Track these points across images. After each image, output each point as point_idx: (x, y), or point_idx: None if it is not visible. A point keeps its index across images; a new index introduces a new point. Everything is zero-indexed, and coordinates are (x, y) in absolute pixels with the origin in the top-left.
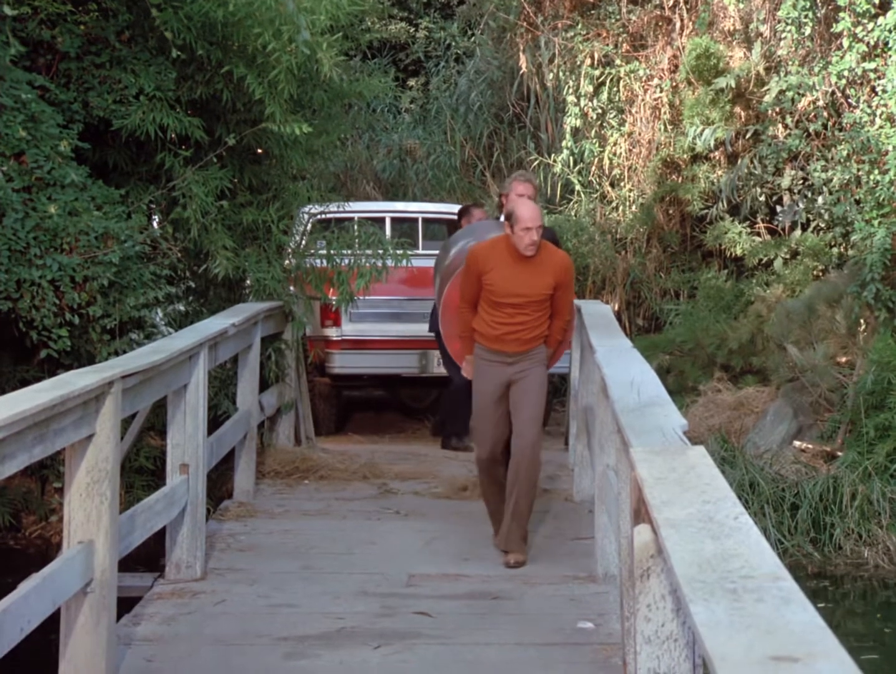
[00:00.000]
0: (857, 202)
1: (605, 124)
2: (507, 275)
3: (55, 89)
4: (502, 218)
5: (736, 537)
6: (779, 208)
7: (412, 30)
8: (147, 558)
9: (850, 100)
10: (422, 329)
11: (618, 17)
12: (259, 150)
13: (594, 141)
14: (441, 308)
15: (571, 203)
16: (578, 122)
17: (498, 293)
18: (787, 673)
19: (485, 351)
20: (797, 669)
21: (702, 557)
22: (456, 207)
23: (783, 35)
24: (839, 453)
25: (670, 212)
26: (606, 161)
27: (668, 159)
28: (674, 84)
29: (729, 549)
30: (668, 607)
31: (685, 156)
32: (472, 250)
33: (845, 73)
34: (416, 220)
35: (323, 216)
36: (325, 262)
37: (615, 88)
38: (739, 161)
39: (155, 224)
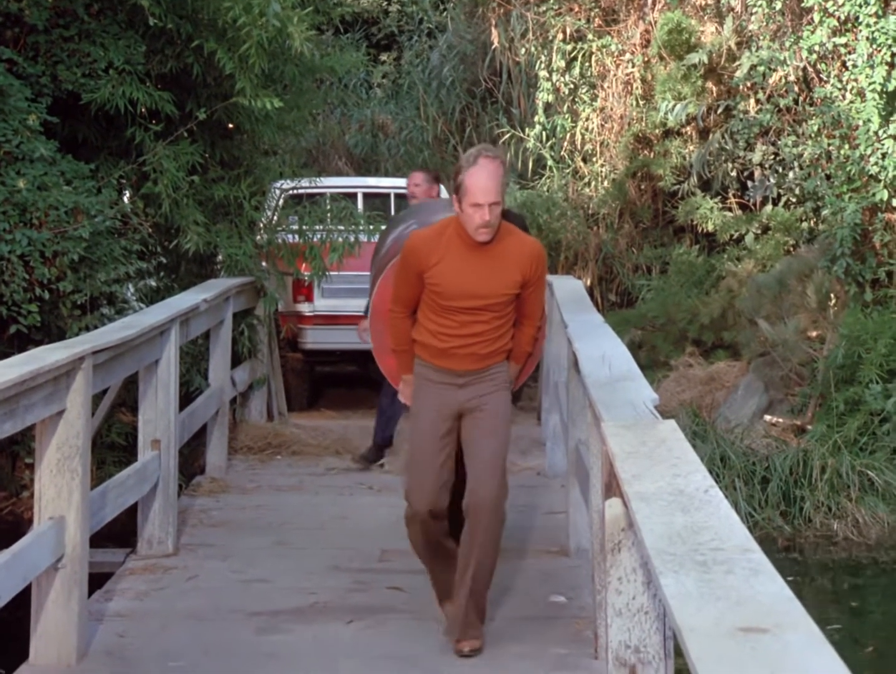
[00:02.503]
0: (828, 177)
1: (577, 99)
2: (457, 270)
3: (23, 63)
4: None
5: (706, 509)
6: (750, 183)
7: (384, 4)
8: (119, 534)
9: (820, 75)
10: None
11: None
12: (230, 125)
13: (566, 116)
14: (370, 313)
15: (544, 178)
16: (550, 98)
17: (446, 295)
18: (755, 644)
19: (427, 369)
20: (766, 640)
21: (672, 529)
22: None
23: (754, 10)
24: (809, 427)
25: (642, 187)
26: (578, 136)
27: (640, 134)
28: (646, 59)
29: (699, 521)
30: (639, 580)
31: (657, 131)
32: (411, 239)
33: (816, 47)
34: (388, 195)
35: (295, 192)
36: (297, 237)
37: (587, 63)
38: (711, 136)
39: (126, 199)
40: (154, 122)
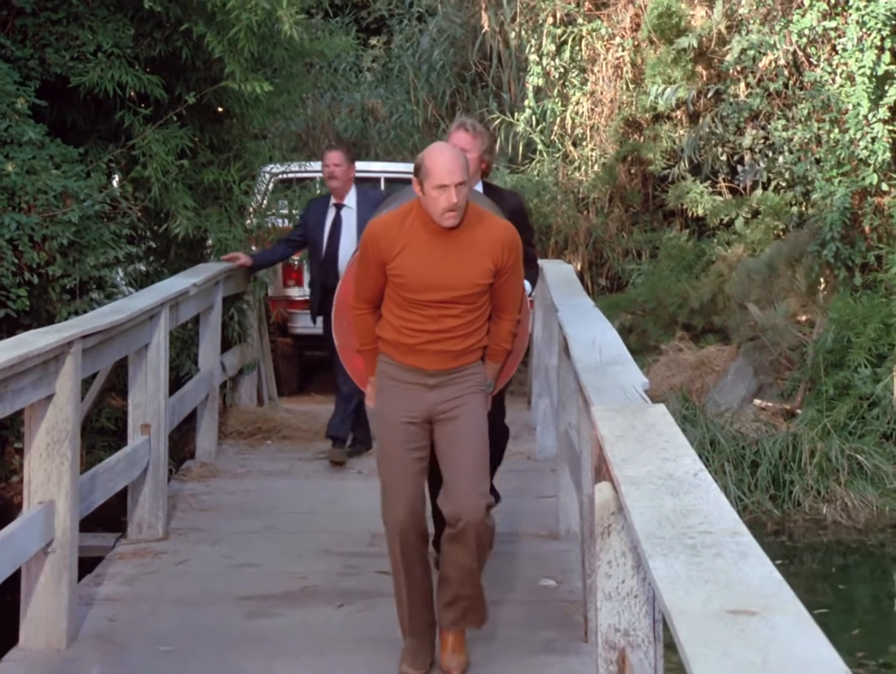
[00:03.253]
0: (818, 161)
1: (567, 83)
2: (421, 260)
3: (11, 46)
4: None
5: (695, 493)
6: (740, 168)
7: None
8: (109, 518)
9: (810, 58)
10: None
11: None
12: (219, 109)
13: (556, 100)
14: (334, 308)
15: (534, 163)
16: (540, 82)
17: (410, 287)
18: (744, 626)
19: (393, 367)
20: (754, 622)
21: (661, 513)
22: None
23: None
24: (799, 411)
25: (632, 171)
26: (569, 120)
27: (630, 119)
28: (636, 43)
29: (688, 505)
30: (629, 564)
31: (647, 115)
32: (370, 227)
33: (806, 31)
34: (378, 179)
35: (284, 176)
36: (287, 221)
37: (577, 47)
38: (701, 120)
39: (115, 183)
40: (143, 105)
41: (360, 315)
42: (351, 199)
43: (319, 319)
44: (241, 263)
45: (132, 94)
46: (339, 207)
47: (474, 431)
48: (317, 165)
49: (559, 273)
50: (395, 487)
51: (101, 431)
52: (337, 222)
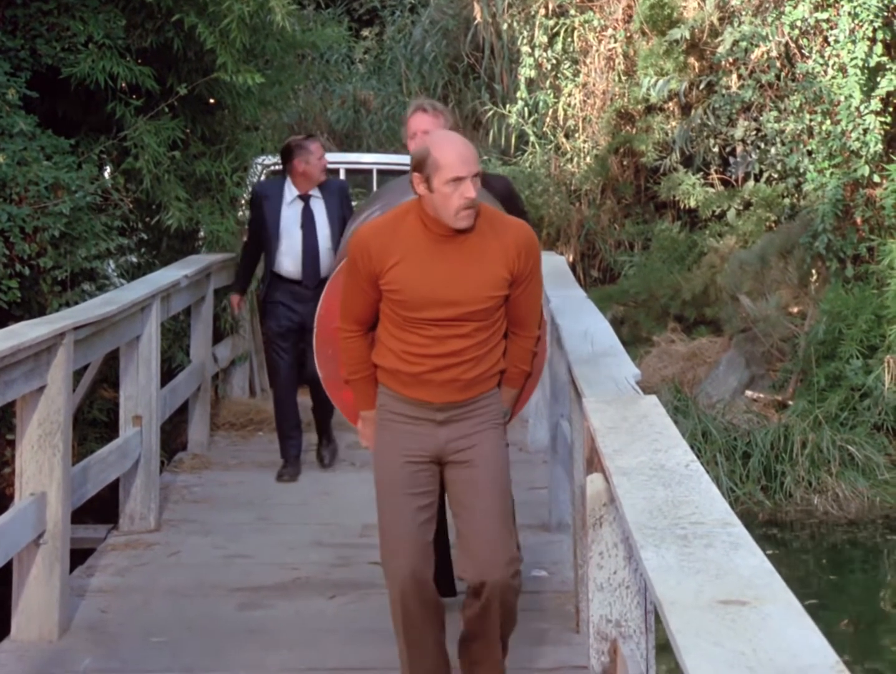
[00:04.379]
0: (810, 153)
1: (559, 75)
2: (422, 270)
3: (1, 36)
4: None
5: (687, 484)
6: (732, 159)
7: None
8: (101, 510)
9: (802, 50)
10: None
11: None
12: (211, 101)
13: (549, 92)
14: (315, 333)
15: (526, 154)
16: (533, 73)
17: (410, 304)
18: (735, 616)
19: (395, 400)
20: (745, 612)
21: (653, 504)
22: None
23: None
24: (790, 403)
25: (624, 163)
26: (561, 112)
27: (623, 110)
28: (628, 34)
29: (679, 496)
30: (620, 555)
31: (639, 107)
32: (358, 234)
33: (798, 23)
34: (370, 171)
35: (277, 167)
36: None
37: (569, 39)
38: (693, 112)
39: (106, 175)
40: (134, 97)
41: (350, 339)
42: (315, 189)
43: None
44: (240, 300)
45: (123, 85)
46: (305, 197)
47: (495, 475)
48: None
49: (551, 265)
50: (396, 540)
51: (93, 423)
52: (308, 215)
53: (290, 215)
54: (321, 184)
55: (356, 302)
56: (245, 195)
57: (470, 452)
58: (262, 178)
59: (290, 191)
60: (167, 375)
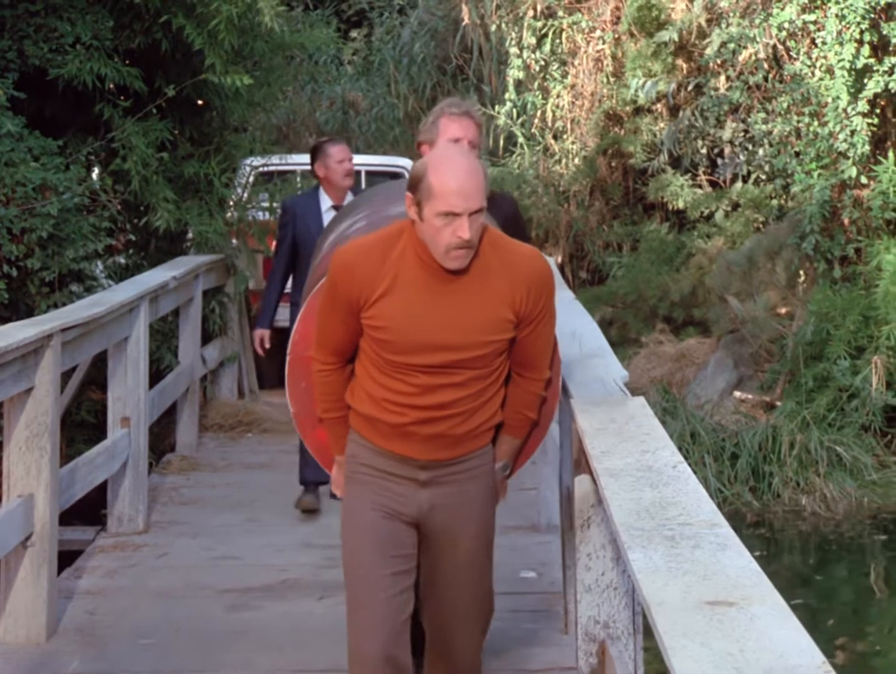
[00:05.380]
0: (797, 154)
1: (547, 76)
2: (413, 306)
3: None
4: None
5: (674, 485)
6: (720, 160)
7: None
8: (89, 512)
9: (790, 52)
10: None
11: None
12: (199, 102)
13: (537, 93)
14: (287, 361)
15: (514, 155)
16: (521, 75)
17: (396, 346)
18: (722, 617)
19: (369, 451)
20: (732, 613)
21: (640, 505)
22: (401, 161)
23: None
24: (778, 403)
25: (613, 164)
26: (549, 113)
27: (611, 112)
28: (616, 36)
29: (667, 497)
30: (608, 556)
31: (627, 108)
32: (342, 253)
33: (786, 25)
34: (359, 172)
35: (265, 168)
36: (267, 214)
37: (558, 40)
38: (681, 113)
39: (94, 176)
40: (122, 98)
41: (324, 372)
42: (349, 198)
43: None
44: (266, 339)
45: (111, 86)
46: (338, 208)
47: (481, 561)
48: (298, 158)
49: None
50: (367, 618)
51: (81, 425)
52: None
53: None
54: (356, 193)
55: (333, 331)
56: (233, 197)
57: (454, 524)
58: (251, 179)
59: (325, 201)
60: (155, 376)
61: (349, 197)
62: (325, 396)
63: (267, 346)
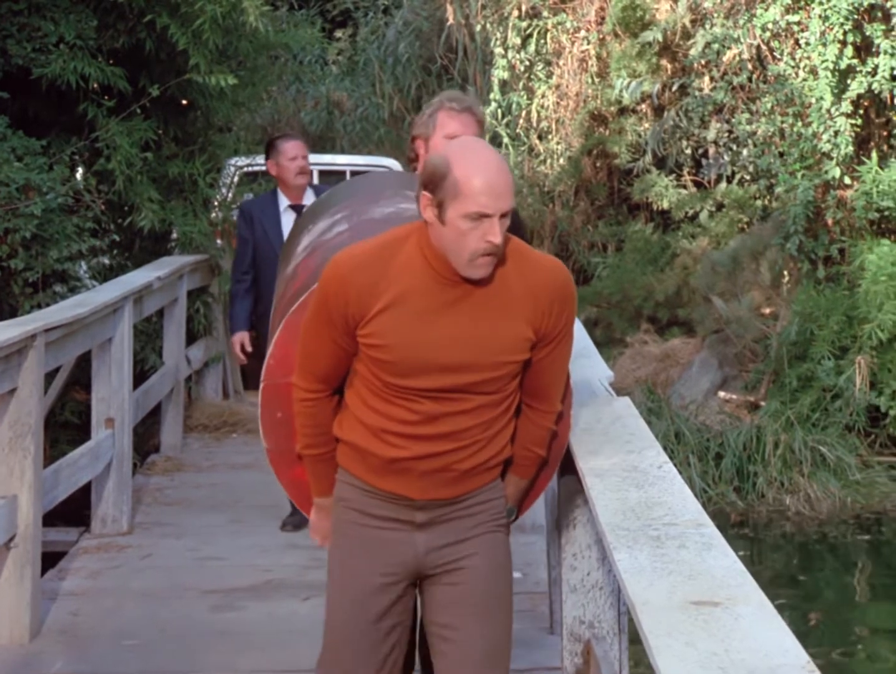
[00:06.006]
0: (781, 155)
1: (532, 77)
2: (419, 321)
3: None
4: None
5: (660, 485)
6: (704, 161)
7: None
8: (73, 513)
9: (774, 52)
10: None
11: None
12: (184, 102)
13: (522, 93)
14: (262, 387)
15: None
16: (506, 75)
17: (399, 367)
18: (707, 617)
19: (359, 493)
20: (717, 613)
21: (626, 505)
22: (386, 161)
23: None
24: (762, 403)
25: (598, 165)
26: (534, 114)
27: (596, 112)
28: (601, 36)
29: (653, 497)
30: (594, 557)
31: (612, 108)
32: (337, 263)
33: (769, 25)
34: (343, 172)
35: (250, 168)
36: None
37: (542, 41)
38: (666, 114)
39: (78, 176)
40: (106, 97)
41: (308, 402)
42: (309, 197)
43: None
44: (247, 342)
45: (95, 85)
46: (296, 208)
47: (495, 596)
48: None
49: None
50: (348, 668)
51: (65, 426)
52: None
53: (281, 231)
54: (318, 191)
55: (322, 354)
56: (218, 197)
57: (459, 568)
58: (236, 179)
59: (282, 201)
60: (140, 377)
61: (310, 195)
62: (308, 429)
63: (249, 349)
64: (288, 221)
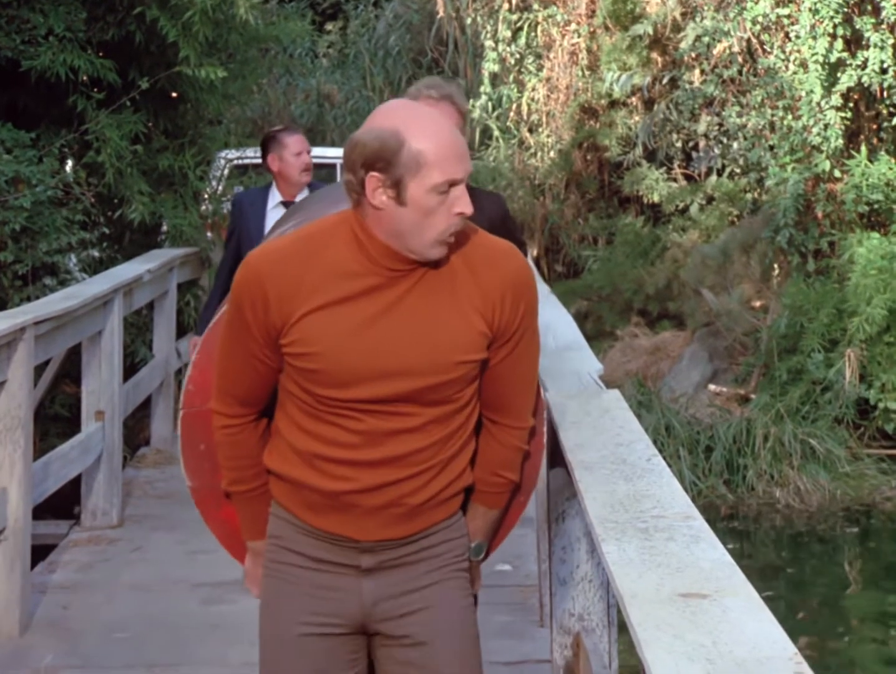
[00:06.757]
0: (771, 148)
1: (523, 70)
2: (352, 322)
3: None
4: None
5: (648, 477)
6: (695, 154)
7: None
8: (63, 506)
9: (764, 46)
10: None
11: None
12: (174, 95)
13: (512, 86)
14: (181, 412)
15: (490, 149)
16: (496, 68)
17: (330, 376)
18: (696, 609)
19: (295, 531)
20: (705, 605)
21: (615, 498)
22: None
23: None
24: (753, 396)
25: (588, 158)
26: (525, 106)
27: (586, 105)
28: (591, 29)
29: (641, 490)
30: (583, 549)
31: (603, 101)
32: (249, 264)
33: (760, 18)
34: (334, 166)
35: (240, 161)
36: None
37: (533, 34)
38: (656, 107)
39: (68, 168)
40: (96, 90)
41: (231, 430)
42: (303, 194)
43: None
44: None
45: (85, 78)
46: (287, 205)
47: (463, 655)
48: None
49: None
50: None
51: (55, 418)
52: None
53: (267, 227)
54: (313, 189)
55: (241, 372)
56: (208, 189)
57: (414, 622)
58: (226, 172)
59: (274, 197)
60: (130, 370)
61: (304, 192)
62: (233, 461)
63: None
64: (274, 217)
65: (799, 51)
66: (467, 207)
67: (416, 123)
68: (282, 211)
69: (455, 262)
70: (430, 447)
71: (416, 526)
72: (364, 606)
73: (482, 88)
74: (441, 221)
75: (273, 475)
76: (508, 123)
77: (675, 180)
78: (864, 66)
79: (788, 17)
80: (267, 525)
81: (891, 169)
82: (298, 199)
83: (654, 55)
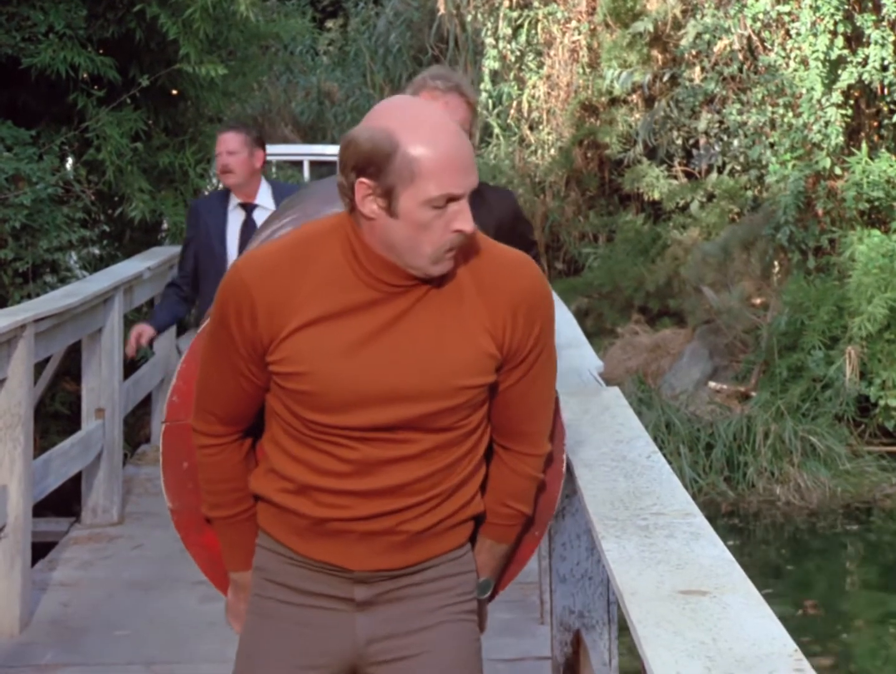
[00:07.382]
0: (772, 145)
1: (523, 67)
2: (346, 341)
3: None
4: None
5: (648, 475)
6: (695, 151)
7: None
8: (63, 503)
9: (765, 43)
10: None
11: None
12: (174, 92)
13: (513, 84)
14: (163, 428)
15: (490, 146)
16: (497, 65)
17: (322, 401)
18: (696, 606)
19: (282, 561)
20: (705, 602)
21: (615, 495)
22: None
23: None
24: (753, 394)
25: (589, 155)
26: (525, 104)
27: (587, 102)
28: (592, 27)
29: (641, 487)
30: (583, 546)
31: (603, 99)
32: (235, 273)
33: (760, 16)
34: (334, 163)
35: None
36: None
37: (533, 31)
38: (656, 104)
39: (68, 166)
40: (96, 87)
41: (211, 450)
42: (264, 195)
43: None
44: (146, 336)
45: (85, 75)
46: (247, 207)
47: None
48: (273, 149)
49: None
50: None
51: (55, 416)
52: (248, 228)
53: (226, 230)
54: (276, 188)
55: (224, 389)
56: (208, 187)
57: (412, 668)
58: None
59: (233, 199)
60: (130, 367)
61: (265, 192)
62: (214, 485)
63: (143, 343)
64: (235, 219)
65: (799, 48)
66: (467, 225)
67: (415, 125)
68: (241, 213)
69: (462, 276)
70: (432, 475)
71: (417, 556)
72: (357, 644)
73: (483, 86)
74: (437, 238)
75: (260, 499)
76: (509, 121)
77: (675, 178)
78: (864, 63)
79: (789, 14)
80: (252, 556)
81: (891, 166)
82: (259, 200)
83: (655, 52)
